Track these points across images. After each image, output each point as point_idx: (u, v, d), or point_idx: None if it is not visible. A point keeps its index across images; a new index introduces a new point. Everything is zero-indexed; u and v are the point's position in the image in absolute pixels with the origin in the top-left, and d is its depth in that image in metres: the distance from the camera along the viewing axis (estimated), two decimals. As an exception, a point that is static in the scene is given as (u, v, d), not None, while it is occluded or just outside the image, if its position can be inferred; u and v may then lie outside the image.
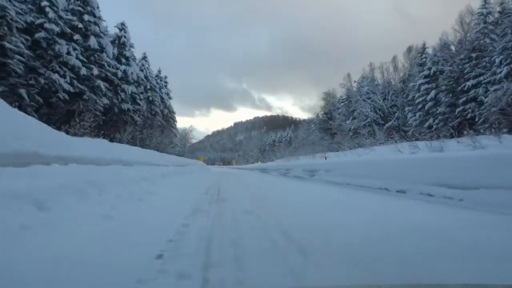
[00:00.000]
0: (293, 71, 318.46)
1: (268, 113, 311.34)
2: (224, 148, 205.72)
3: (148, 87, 34.23)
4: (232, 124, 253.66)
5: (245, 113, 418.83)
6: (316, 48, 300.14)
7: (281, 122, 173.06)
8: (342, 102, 54.31)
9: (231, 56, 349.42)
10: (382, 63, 44.84)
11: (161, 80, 40.29)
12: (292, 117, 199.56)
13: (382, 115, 44.46)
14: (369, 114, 43.77)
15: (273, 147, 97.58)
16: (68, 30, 19.17)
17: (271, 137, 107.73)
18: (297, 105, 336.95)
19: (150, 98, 34.29)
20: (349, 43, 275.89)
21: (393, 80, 45.29)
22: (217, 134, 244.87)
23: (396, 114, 42.35)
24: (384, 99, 45.06)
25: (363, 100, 44.69)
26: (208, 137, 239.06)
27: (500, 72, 22.70)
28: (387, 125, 41.99)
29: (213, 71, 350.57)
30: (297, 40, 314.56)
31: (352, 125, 46.81)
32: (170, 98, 41.84)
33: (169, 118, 40.55)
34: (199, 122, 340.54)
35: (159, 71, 40.86)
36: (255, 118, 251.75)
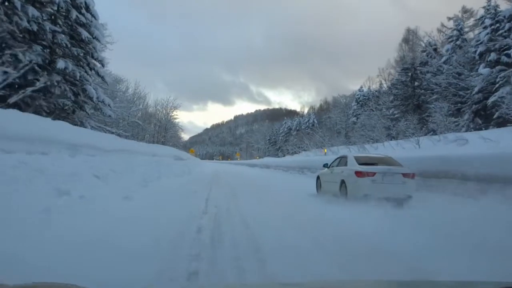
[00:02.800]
0: (291, 66, 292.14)
1: (269, 107, 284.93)
2: (224, 141, 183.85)
3: None
4: (232, 118, 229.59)
5: (243, 107, 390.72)
6: (313, 43, 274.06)
7: (283, 115, 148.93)
8: (450, 41, 29.39)
9: (226, 49, 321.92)
10: None
11: None
12: (295, 110, 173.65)
13: None
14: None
15: (288, 137, 73.25)
16: None
17: (286, 124, 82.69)
18: (296, 101, 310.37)
19: None
20: (348, 38, 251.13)
21: None
22: (217, 127, 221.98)
23: None
24: None
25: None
26: (207, 130, 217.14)
27: None
28: None
29: (209, 64, 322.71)
30: (293, 35, 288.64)
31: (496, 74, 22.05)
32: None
33: (83, 41, 15.85)
34: (197, 116, 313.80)
35: None
36: (256, 111, 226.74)
